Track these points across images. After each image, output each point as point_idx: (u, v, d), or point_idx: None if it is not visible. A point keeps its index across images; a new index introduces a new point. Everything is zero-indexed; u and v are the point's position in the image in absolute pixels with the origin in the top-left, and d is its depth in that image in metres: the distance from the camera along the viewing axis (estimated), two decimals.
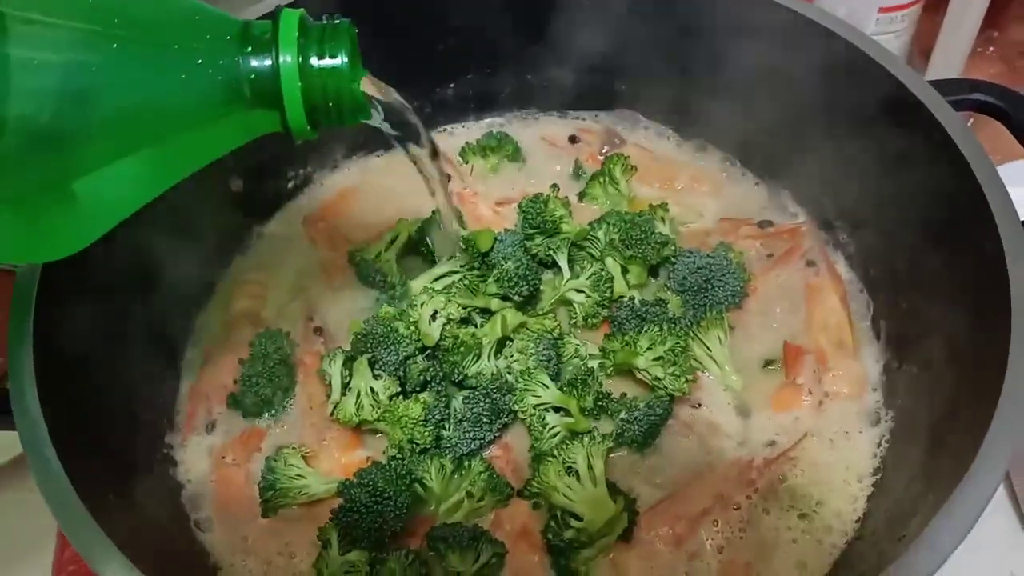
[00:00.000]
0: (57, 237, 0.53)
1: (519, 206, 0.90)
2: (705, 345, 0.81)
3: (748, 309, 0.87)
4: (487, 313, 0.83)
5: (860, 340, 0.85)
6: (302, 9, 0.55)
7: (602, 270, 0.86)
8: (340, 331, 0.88)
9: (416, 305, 0.81)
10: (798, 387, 0.81)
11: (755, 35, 0.87)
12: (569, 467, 0.72)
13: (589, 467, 0.72)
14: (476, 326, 0.83)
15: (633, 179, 0.98)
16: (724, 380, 0.82)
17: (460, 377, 0.79)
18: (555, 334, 0.81)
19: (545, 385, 0.77)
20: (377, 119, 0.61)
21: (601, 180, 0.97)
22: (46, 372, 0.65)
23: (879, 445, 0.78)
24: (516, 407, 0.77)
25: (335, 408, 0.78)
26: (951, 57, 1.14)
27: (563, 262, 0.87)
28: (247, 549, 0.75)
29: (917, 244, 0.79)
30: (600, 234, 0.88)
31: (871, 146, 0.83)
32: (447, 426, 0.77)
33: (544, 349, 0.79)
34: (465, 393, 0.79)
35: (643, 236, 0.85)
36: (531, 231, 0.88)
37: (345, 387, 0.79)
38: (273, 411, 0.83)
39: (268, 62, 0.52)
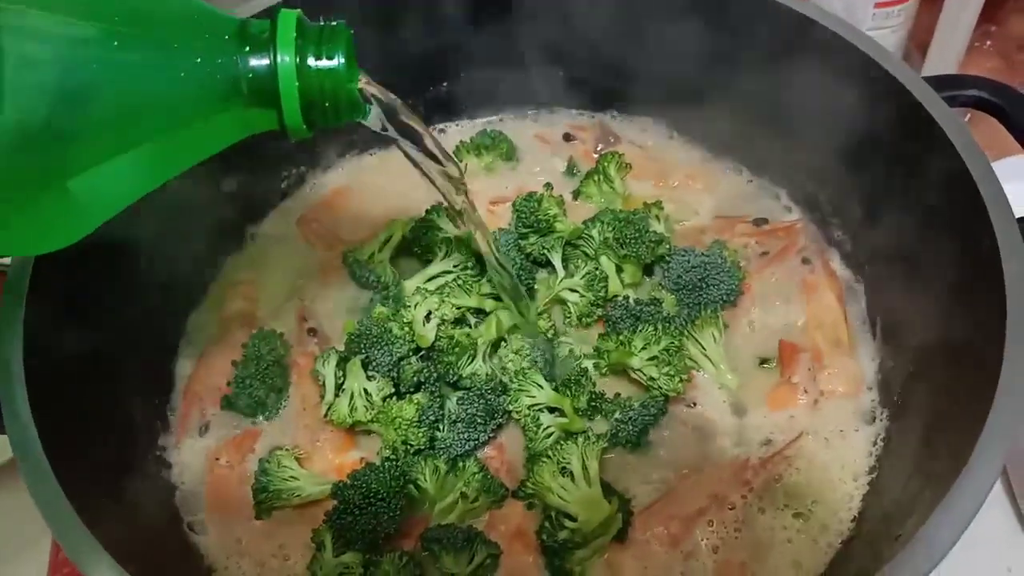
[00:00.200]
0: (51, 230, 0.53)
1: (513, 205, 0.90)
2: (700, 344, 0.81)
3: (743, 307, 0.87)
4: (481, 313, 0.83)
5: (856, 338, 0.85)
6: (299, 9, 0.55)
7: (596, 269, 0.85)
8: (334, 332, 0.88)
9: (410, 306, 0.81)
10: (793, 386, 0.81)
11: (749, 31, 0.87)
12: (563, 468, 0.71)
13: (583, 467, 0.71)
14: (470, 326, 0.82)
15: (628, 177, 0.98)
16: (719, 379, 0.81)
17: (454, 378, 0.79)
18: (549, 334, 0.81)
19: (539, 385, 0.77)
20: (376, 122, 0.61)
21: (595, 178, 0.96)
22: (36, 375, 0.65)
23: (875, 444, 0.78)
24: (510, 407, 0.77)
25: (329, 409, 0.78)
26: (948, 52, 1.14)
27: (557, 261, 0.87)
28: (241, 551, 0.75)
29: (913, 241, 0.79)
30: (594, 233, 0.88)
31: (867, 143, 0.83)
32: (441, 427, 0.77)
33: (538, 349, 0.79)
34: (459, 394, 0.78)
35: (637, 235, 0.85)
36: (525, 230, 0.88)
37: (339, 388, 0.78)
38: (267, 412, 0.83)
39: (266, 62, 0.52)
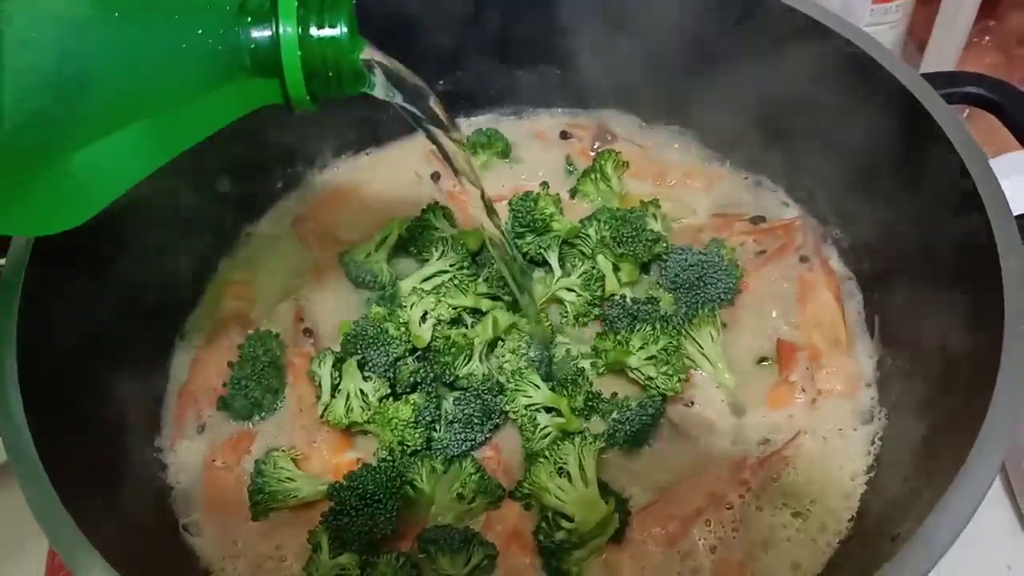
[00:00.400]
0: (55, 210, 0.53)
1: (509, 204, 0.90)
2: (697, 343, 0.81)
3: (741, 306, 0.87)
4: (478, 313, 0.83)
5: (854, 336, 0.85)
6: None
7: (593, 268, 0.85)
8: (330, 332, 0.87)
9: (406, 306, 0.81)
10: (792, 384, 0.80)
11: (747, 29, 0.86)
12: (560, 468, 0.71)
13: (580, 468, 0.71)
14: (467, 326, 0.82)
15: (625, 175, 0.97)
16: (717, 378, 0.81)
17: (451, 378, 0.79)
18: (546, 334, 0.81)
19: (536, 385, 0.76)
20: (382, 92, 0.60)
21: (592, 176, 0.96)
22: (30, 376, 0.64)
23: (873, 442, 0.77)
24: (507, 408, 0.76)
25: (325, 410, 0.78)
26: (947, 48, 1.13)
27: (554, 260, 0.87)
28: (237, 553, 0.74)
29: (910, 238, 0.79)
30: (591, 232, 0.87)
31: (864, 140, 0.82)
32: (438, 427, 0.77)
33: (535, 349, 0.79)
34: (456, 394, 0.78)
35: (634, 233, 0.85)
36: (522, 229, 0.88)
37: (335, 389, 0.78)
38: (263, 413, 0.82)
39: (268, 32, 0.52)
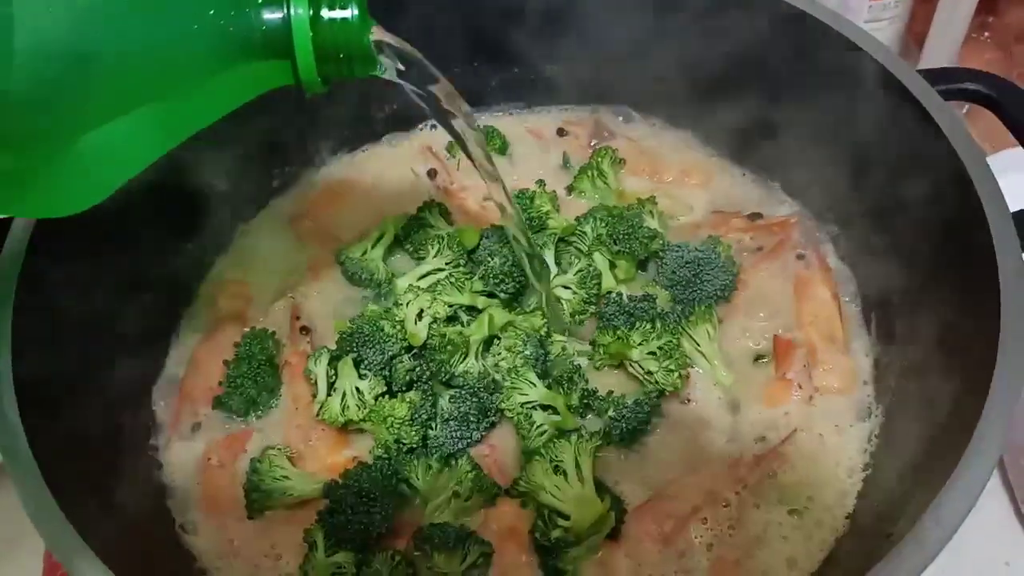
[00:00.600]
0: (65, 193, 0.53)
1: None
2: (694, 340, 0.81)
3: (738, 303, 0.86)
4: (474, 311, 0.83)
5: (851, 334, 0.85)
6: None
7: (589, 266, 0.85)
8: (326, 330, 0.87)
9: (402, 304, 0.81)
10: (788, 382, 0.80)
11: (744, 25, 0.86)
12: (557, 466, 0.71)
13: (577, 466, 0.71)
14: (463, 324, 0.82)
15: (622, 172, 0.97)
16: (714, 375, 0.81)
17: (447, 376, 0.78)
18: (542, 332, 0.80)
19: (532, 383, 0.76)
20: (392, 74, 0.60)
21: (589, 173, 0.96)
22: (25, 377, 0.64)
23: (870, 440, 0.77)
24: (503, 405, 0.76)
25: (321, 408, 0.77)
26: (945, 44, 1.13)
27: (550, 258, 0.86)
28: (233, 552, 0.74)
29: (907, 235, 0.79)
30: (587, 229, 0.87)
31: (861, 137, 0.82)
32: (434, 425, 0.76)
33: (531, 347, 0.78)
34: (452, 392, 0.78)
35: (631, 231, 0.84)
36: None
37: (331, 387, 0.78)
38: (259, 412, 0.82)
39: (280, 14, 0.52)
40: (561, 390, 0.76)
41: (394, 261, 0.92)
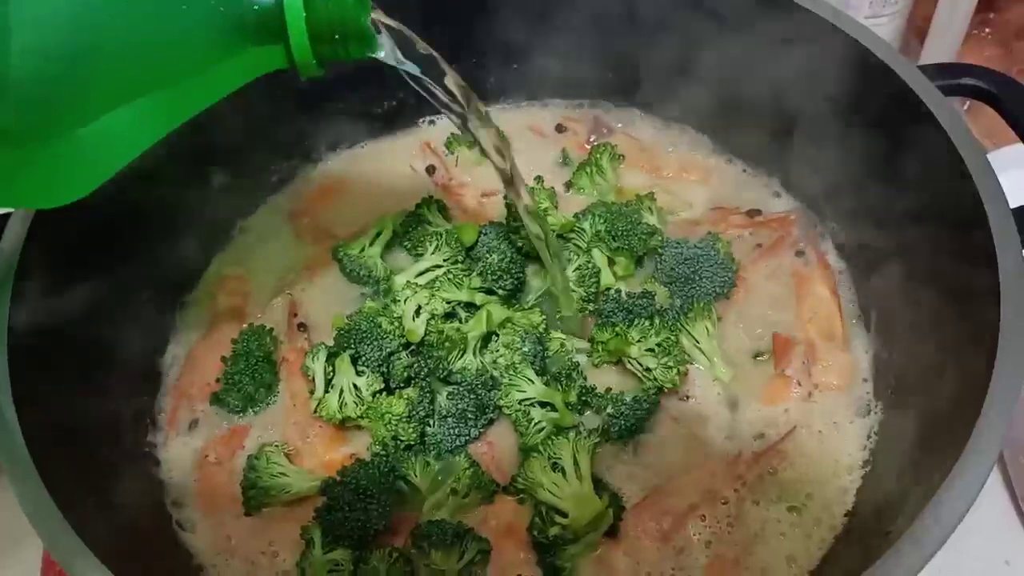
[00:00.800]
0: (61, 181, 0.52)
1: (504, 198, 0.89)
2: (693, 337, 0.80)
3: (736, 300, 0.86)
4: (472, 307, 0.82)
5: (850, 331, 0.84)
6: None
7: (588, 262, 0.85)
8: (324, 327, 0.87)
9: (400, 300, 0.80)
10: (787, 379, 0.80)
11: (742, 20, 0.86)
12: (555, 463, 0.71)
13: (575, 463, 0.71)
14: (461, 321, 0.82)
15: (621, 168, 0.97)
16: (713, 372, 0.81)
17: (444, 373, 0.78)
18: (540, 329, 0.80)
19: (530, 380, 0.76)
20: (390, 56, 0.59)
21: (588, 170, 0.95)
22: (21, 373, 0.64)
23: (869, 437, 0.77)
24: (501, 402, 0.76)
25: (318, 405, 0.77)
26: (946, 40, 1.12)
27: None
28: (231, 549, 0.74)
29: (907, 232, 0.78)
30: (586, 226, 0.87)
31: (861, 133, 0.82)
32: (431, 422, 0.76)
33: (530, 344, 0.78)
34: (450, 389, 0.78)
35: (629, 227, 0.84)
36: (516, 224, 0.87)
37: (328, 384, 0.78)
38: (256, 408, 0.82)
39: None
40: (559, 387, 0.76)
41: (392, 258, 0.91)
